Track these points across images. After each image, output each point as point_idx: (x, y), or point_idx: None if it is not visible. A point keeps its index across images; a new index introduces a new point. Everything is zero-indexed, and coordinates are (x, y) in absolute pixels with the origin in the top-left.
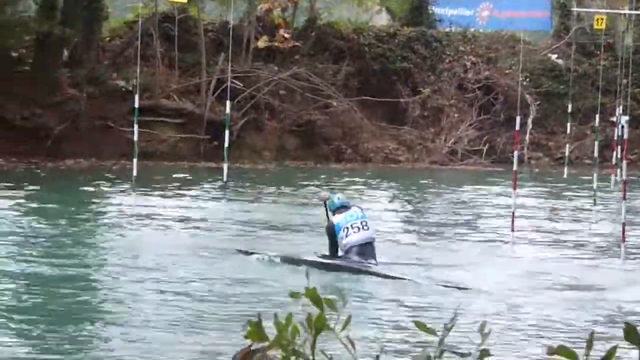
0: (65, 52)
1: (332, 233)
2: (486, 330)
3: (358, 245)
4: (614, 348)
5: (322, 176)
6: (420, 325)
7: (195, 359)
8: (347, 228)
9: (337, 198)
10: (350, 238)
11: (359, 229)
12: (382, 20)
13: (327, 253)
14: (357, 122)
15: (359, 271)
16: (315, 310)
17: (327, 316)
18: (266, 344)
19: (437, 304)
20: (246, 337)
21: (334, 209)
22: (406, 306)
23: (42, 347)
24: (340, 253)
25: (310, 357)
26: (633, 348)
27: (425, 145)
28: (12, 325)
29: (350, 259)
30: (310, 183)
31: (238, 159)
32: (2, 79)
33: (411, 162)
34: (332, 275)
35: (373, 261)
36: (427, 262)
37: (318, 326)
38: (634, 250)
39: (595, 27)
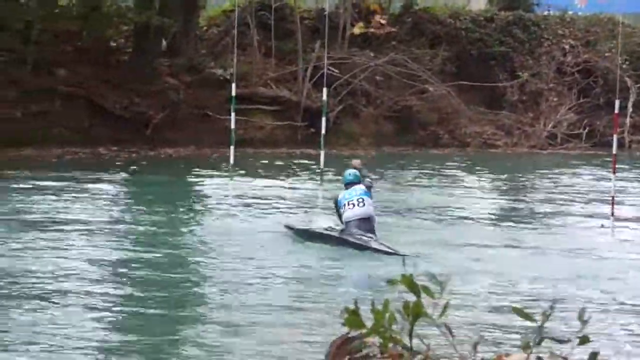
0: (164, 42)
1: (335, 206)
2: (585, 317)
3: (355, 220)
4: None
5: (418, 161)
6: (518, 312)
7: (294, 343)
8: (346, 204)
9: (349, 174)
10: (347, 213)
11: (354, 205)
12: (478, 4)
13: (333, 226)
14: (454, 107)
15: (359, 246)
16: (412, 297)
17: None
18: (363, 331)
19: (537, 291)
20: (344, 324)
21: (345, 183)
22: (499, 292)
23: (154, 330)
24: (342, 226)
25: (408, 344)
26: None
27: (524, 130)
28: (131, 310)
29: (349, 231)
30: (409, 168)
31: (335, 146)
32: (101, 68)
33: (510, 146)
34: (423, 261)
35: (371, 235)
36: (520, 244)
37: (415, 313)
38: None
39: None
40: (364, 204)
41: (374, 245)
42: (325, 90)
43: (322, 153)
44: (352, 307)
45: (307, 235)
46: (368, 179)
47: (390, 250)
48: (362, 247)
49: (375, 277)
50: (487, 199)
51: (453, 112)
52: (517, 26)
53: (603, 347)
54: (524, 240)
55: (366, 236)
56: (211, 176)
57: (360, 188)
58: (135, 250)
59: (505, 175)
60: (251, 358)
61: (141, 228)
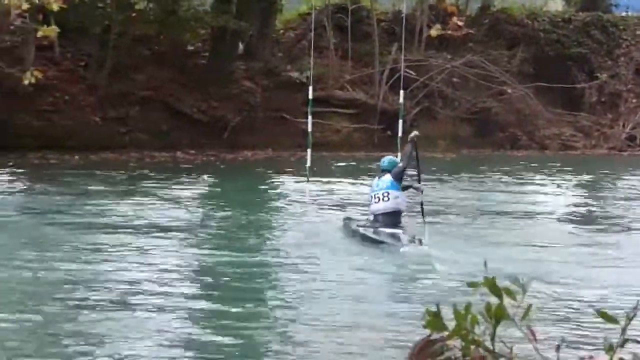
0: (241, 45)
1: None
2: None
3: (380, 214)
4: None
5: (498, 164)
6: (603, 314)
7: (375, 346)
8: (372, 197)
9: (383, 161)
10: (372, 207)
11: (379, 199)
12: (556, 5)
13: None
14: (532, 109)
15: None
16: (494, 300)
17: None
18: (445, 333)
19: (616, 293)
20: (425, 326)
21: (381, 170)
22: (584, 295)
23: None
24: (371, 217)
25: (491, 347)
26: None
27: (603, 132)
28: (212, 310)
29: (375, 226)
30: (490, 170)
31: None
32: (179, 72)
33: (589, 148)
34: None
35: (398, 230)
36: (600, 248)
37: (498, 316)
38: None
39: None
40: (388, 199)
41: (404, 241)
42: (402, 92)
43: (399, 156)
44: (433, 309)
45: (350, 233)
46: (401, 164)
47: (415, 242)
48: (390, 243)
49: (455, 279)
50: (570, 202)
51: (531, 113)
52: (595, 27)
53: None
54: (607, 243)
55: (392, 233)
56: (289, 179)
57: (387, 180)
58: (215, 254)
59: (589, 177)
60: (336, 356)
61: (222, 232)
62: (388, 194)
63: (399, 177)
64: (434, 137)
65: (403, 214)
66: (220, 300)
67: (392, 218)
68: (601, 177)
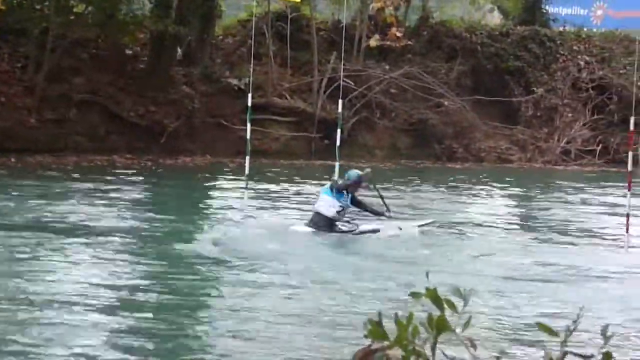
0: (179, 51)
1: (344, 189)
2: (609, 333)
3: (314, 213)
4: None
5: (433, 175)
6: (543, 327)
7: (314, 356)
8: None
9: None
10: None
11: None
12: (494, 19)
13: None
14: (469, 122)
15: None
16: (435, 310)
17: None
18: (386, 343)
19: (556, 306)
20: (366, 336)
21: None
22: (525, 307)
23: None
24: (330, 213)
25: (431, 358)
26: None
27: (538, 145)
28: (130, 322)
29: (310, 224)
30: (423, 181)
31: (350, 158)
32: (118, 76)
33: (524, 161)
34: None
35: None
36: (542, 261)
37: (439, 326)
38: None
39: None
40: (318, 200)
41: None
42: (340, 102)
43: (337, 165)
44: (375, 319)
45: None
46: (347, 183)
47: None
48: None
49: (399, 289)
50: (507, 213)
51: (468, 126)
52: (532, 41)
53: None
54: (546, 256)
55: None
56: (227, 186)
57: (327, 186)
58: (146, 257)
59: (523, 190)
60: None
61: (157, 234)
62: (320, 196)
63: (339, 189)
64: (371, 147)
65: (335, 221)
66: (142, 309)
67: (319, 219)
68: (538, 190)
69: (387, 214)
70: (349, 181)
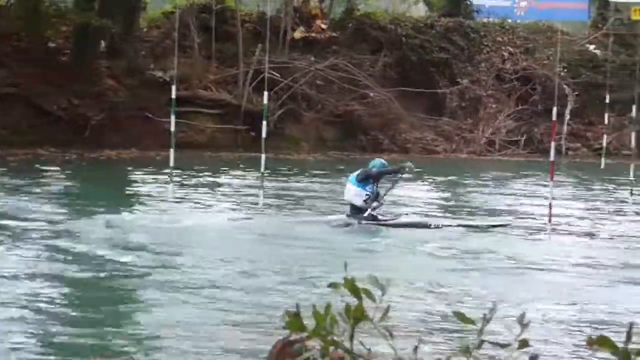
0: (103, 43)
1: (369, 178)
2: (525, 321)
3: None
4: None
5: (360, 166)
6: (460, 316)
7: (233, 348)
8: (369, 195)
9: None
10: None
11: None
12: (419, 11)
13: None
14: (395, 113)
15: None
16: (354, 300)
17: (367, 306)
18: (305, 334)
19: (478, 294)
20: (285, 327)
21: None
22: (445, 293)
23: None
24: (358, 201)
25: (349, 347)
26: None
27: (463, 136)
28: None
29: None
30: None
31: (276, 150)
32: (41, 69)
33: (449, 152)
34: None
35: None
36: (467, 249)
37: (356, 317)
38: None
39: (633, 17)
40: (347, 190)
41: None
42: (266, 94)
43: (263, 157)
44: (293, 310)
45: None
46: (374, 171)
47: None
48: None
49: (319, 280)
50: (434, 203)
51: (394, 117)
52: (457, 33)
53: (543, 351)
54: (466, 245)
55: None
56: (151, 178)
57: (354, 174)
58: (68, 250)
59: (447, 179)
60: (189, 357)
61: (80, 225)
62: (347, 187)
63: (363, 178)
64: (298, 138)
65: (363, 209)
66: (57, 301)
67: (351, 209)
68: (462, 180)
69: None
70: (373, 170)
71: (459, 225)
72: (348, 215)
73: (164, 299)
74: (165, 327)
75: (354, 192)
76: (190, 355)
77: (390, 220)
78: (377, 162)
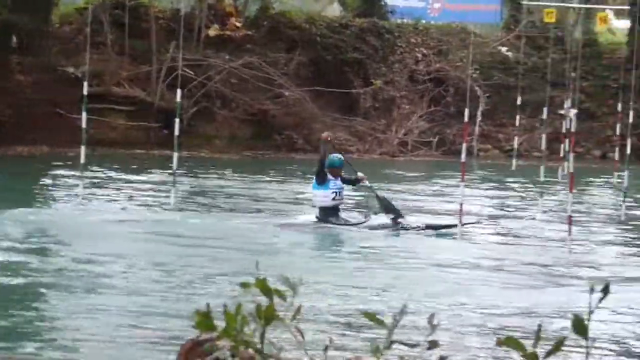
0: (14, 39)
1: (324, 175)
2: (435, 322)
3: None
4: (562, 340)
5: (277, 165)
6: (369, 316)
7: (144, 348)
8: (336, 192)
9: (339, 158)
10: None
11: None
12: (334, 10)
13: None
14: (309, 112)
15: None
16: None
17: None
18: (215, 334)
19: (389, 294)
20: (194, 327)
21: (335, 166)
22: (356, 297)
23: None
24: (327, 203)
25: (259, 347)
26: (580, 340)
27: (377, 137)
28: None
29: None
30: (262, 171)
31: (190, 148)
32: None
33: (362, 152)
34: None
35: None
36: (381, 248)
37: (267, 316)
38: (579, 241)
39: (545, 20)
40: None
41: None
42: (179, 91)
43: (176, 155)
44: (203, 309)
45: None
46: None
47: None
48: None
49: (231, 280)
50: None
51: (308, 117)
52: (371, 33)
53: (452, 352)
54: (377, 243)
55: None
56: (61, 175)
57: (313, 182)
58: None
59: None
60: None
61: None
62: (313, 194)
63: (320, 180)
64: (211, 137)
65: (337, 207)
66: None
67: (322, 213)
68: (375, 180)
69: (359, 175)
70: (327, 168)
71: (427, 227)
72: (318, 219)
73: (65, 298)
74: (68, 330)
75: (321, 197)
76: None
77: (362, 222)
78: (334, 158)
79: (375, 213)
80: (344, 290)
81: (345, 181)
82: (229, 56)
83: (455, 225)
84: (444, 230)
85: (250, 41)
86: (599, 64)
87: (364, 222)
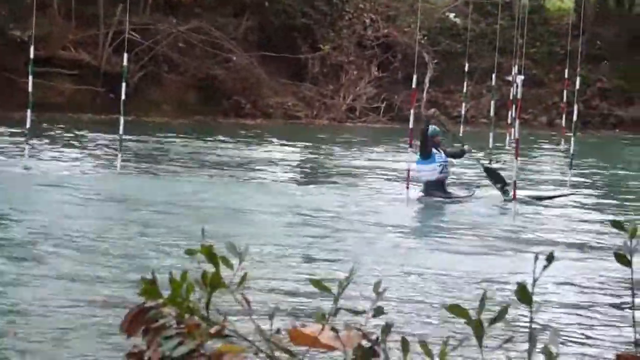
0: None
1: (429, 148)
2: (381, 289)
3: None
4: (506, 307)
5: (222, 131)
6: (315, 283)
7: (90, 314)
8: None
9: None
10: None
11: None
12: None
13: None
14: (257, 78)
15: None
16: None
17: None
18: (160, 301)
19: (336, 259)
20: (140, 294)
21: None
22: (305, 264)
23: None
24: (434, 176)
25: (205, 315)
26: (524, 307)
27: (324, 102)
28: None
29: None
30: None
31: (137, 112)
32: None
33: (310, 118)
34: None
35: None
36: (333, 212)
37: (213, 284)
38: (525, 208)
39: None
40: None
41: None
42: (125, 55)
43: (122, 119)
44: (149, 277)
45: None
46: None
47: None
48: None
49: (181, 247)
50: (288, 167)
51: (256, 82)
52: None
53: (397, 318)
54: (327, 209)
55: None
56: (6, 138)
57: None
58: None
59: (306, 145)
60: (38, 333)
61: None
62: (418, 169)
63: (425, 151)
64: (159, 101)
65: (443, 181)
66: None
67: (429, 186)
68: (322, 145)
69: (465, 147)
70: (427, 139)
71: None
72: (425, 194)
73: (9, 266)
74: (14, 298)
75: (427, 171)
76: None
77: (469, 195)
78: (434, 127)
79: (478, 186)
80: (295, 258)
81: (450, 155)
82: (176, 20)
83: (564, 195)
84: (391, 194)
85: (198, 5)
86: (547, 30)
87: (470, 195)
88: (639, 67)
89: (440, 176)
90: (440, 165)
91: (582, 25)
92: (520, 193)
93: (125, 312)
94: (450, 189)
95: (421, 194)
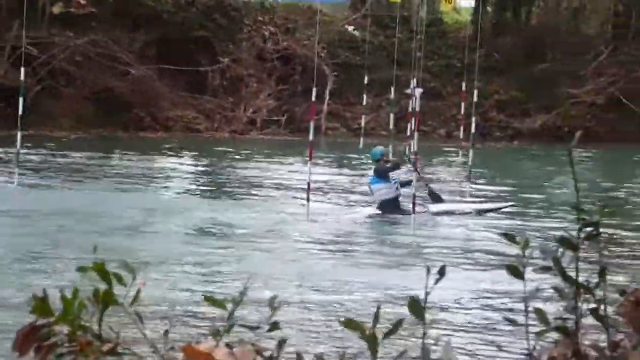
0: None
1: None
2: (276, 304)
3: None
4: (400, 321)
5: (122, 143)
6: (209, 299)
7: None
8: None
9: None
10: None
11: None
12: None
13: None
14: (156, 90)
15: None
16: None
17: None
18: (52, 319)
19: (230, 274)
20: (31, 312)
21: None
22: (198, 280)
23: None
24: (392, 194)
25: (97, 332)
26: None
27: (225, 115)
28: None
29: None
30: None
31: (35, 127)
32: None
33: (211, 131)
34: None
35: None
36: (229, 225)
37: (105, 301)
38: (424, 220)
39: (391, 0)
40: (372, 193)
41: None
42: (22, 69)
43: (19, 134)
44: (40, 294)
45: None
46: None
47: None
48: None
49: (71, 264)
50: (185, 179)
51: (155, 95)
52: (217, 11)
53: (293, 333)
54: (227, 223)
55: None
56: None
57: (370, 177)
58: None
59: (208, 160)
60: None
61: None
62: (373, 189)
63: (382, 173)
64: (57, 116)
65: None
66: None
67: (386, 205)
68: (224, 158)
69: (409, 167)
70: (379, 158)
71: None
72: (381, 211)
73: None
74: None
75: (384, 190)
76: None
77: (423, 211)
78: (377, 151)
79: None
80: (192, 274)
81: (389, 170)
82: (73, 34)
83: (504, 207)
84: (290, 209)
85: (95, 19)
86: (445, 43)
87: (424, 211)
88: (536, 79)
89: (397, 192)
90: (395, 182)
91: (479, 37)
92: (432, 208)
93: (17, 331)
94: (403, 206)
95: (377, 212)
